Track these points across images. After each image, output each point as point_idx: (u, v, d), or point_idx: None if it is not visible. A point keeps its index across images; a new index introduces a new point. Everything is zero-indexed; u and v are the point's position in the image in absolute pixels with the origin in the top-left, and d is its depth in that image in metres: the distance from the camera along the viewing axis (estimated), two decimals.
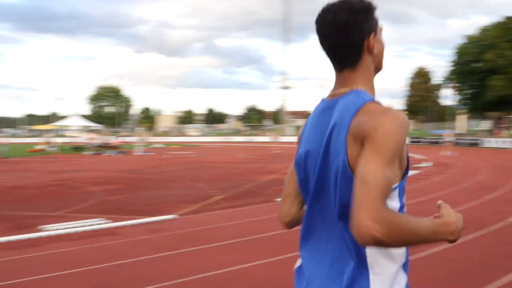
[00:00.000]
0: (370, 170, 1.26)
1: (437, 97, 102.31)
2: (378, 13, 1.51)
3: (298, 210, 1.68)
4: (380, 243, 1.20)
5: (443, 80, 62.92)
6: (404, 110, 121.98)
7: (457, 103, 64.50)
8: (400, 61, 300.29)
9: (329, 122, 1.46)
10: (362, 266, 1.39)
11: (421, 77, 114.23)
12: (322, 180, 1.48)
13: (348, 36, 1.45)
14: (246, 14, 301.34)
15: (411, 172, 18.65)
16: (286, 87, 68.52)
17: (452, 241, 1.35)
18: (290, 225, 1.71)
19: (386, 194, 1.26)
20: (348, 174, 1.36)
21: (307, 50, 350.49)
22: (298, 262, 1.65)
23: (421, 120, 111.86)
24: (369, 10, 1.48)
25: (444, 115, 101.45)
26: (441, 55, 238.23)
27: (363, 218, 1.20)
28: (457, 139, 45.22)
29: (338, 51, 1.49)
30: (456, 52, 57.01)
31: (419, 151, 33.75)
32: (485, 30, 55.39)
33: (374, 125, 1.33)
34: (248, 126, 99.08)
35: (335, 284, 1.42)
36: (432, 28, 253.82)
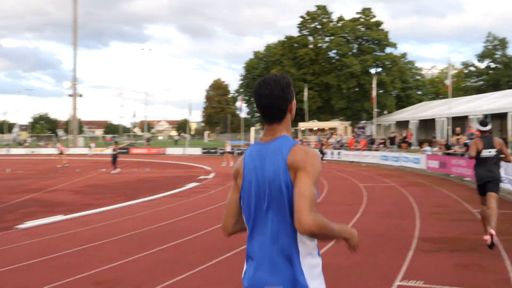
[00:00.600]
0: (306, 187, 2.04)
1: (235, 109, 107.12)
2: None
3: (239, 227, 2.36)
4: (313, 235, 2.00)
5: (235, 93, 65.75)
6: (201, 122, 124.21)
7: (248, 115, 68.30)
8: (200, 74, 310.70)
9: (266, 157, 2.18)
10: (297, 252, 2.13)
11: (218, 89, 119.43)
12: (271, 193, 2.14)
13: (279, 104, 2.20)
14: (36, 14, 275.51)
15: (189, 185, 17.82)
16: (77, 95, 63.69)
17: (350, 244, 2.22)
18: (232, 234, 2.39)
19: (315, 203, 2.04)
20: (290, 186, 2.10)
21: (106, 58, 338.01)
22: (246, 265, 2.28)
23: (219, 131, 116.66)
24: (290, 85, 2.25)
25: (239, 126, 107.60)
26: (238, 70, 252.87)
27: (304, 219, 1.97)
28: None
29: (271, 113, 2.21)
30: (245, 67, 60.28)
31: (209, 162, 33.94)
32: (270, 48, 59.84)
33: (304, 160, 2.10)
34: (35, 136, 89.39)
35: (283, 271, 2.11)
36: (230, 43, 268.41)
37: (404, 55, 53.53)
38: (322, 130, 49.88)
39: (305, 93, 45.86)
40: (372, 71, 51.62)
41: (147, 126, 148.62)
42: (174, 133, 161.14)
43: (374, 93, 39.19)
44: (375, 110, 42.66)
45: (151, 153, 52.45)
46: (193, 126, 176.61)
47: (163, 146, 58.34)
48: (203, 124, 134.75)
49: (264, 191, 2.15)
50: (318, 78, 52.49)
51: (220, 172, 25.17)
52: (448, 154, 20.72)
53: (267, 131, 2.24)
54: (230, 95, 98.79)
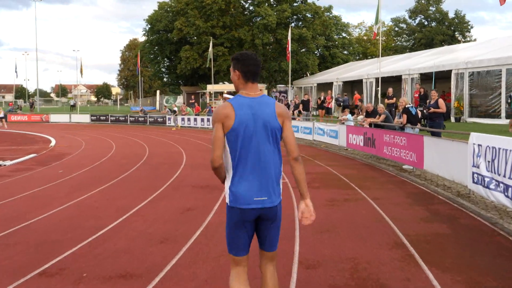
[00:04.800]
0: (292, 131, 3.10)
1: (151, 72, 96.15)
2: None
3: (222, 160, 2.99)
4: (298, 160, 3.05)
5: (142, 52, 55.48)
6: (119, 86, 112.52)
7: (156, 77, 59.21)
8: (129, 38, 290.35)
9: (261, 107, 2.97)
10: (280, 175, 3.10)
11: (134, 50, 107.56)
12: (263, 133, 2.96)
13: (260, 69, 3.10)
14: None
15: None
16: None
17: None
18: (220, 166, 2.98)
19: None
20: (280, 130, 3.02)
21: (27, 18, 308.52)
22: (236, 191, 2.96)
23: (134, 96, 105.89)
24: None
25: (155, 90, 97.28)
26: None
27: (297, 151, 3.03)
28: (139, 117, 39.28)
29: (257, 75, 3.07)
30: (148, 20, 50.35)
31: (80, 133, 25.16)
32: None
33: (287, 112, 3.07)
34: None
35: (268, 188, 2.98)
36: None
37: (329, 9, 46.14)
38: (234, 93, 42.14)
39: (211, 48, 37.50)
40: (292, 24, 43.97)
41: (61, 90, 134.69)
42: (93, 98, 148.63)
43: (289, 47, 31.55)
44: (290, 69, 35.37)
45: (32, 121, 43.51)
46: (115, 91, 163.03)
47: (47, 113, 48.68)
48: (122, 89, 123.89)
49: (262, 130, 2.96)
50: (229, 33, 44.04)
51: (50, 153, 16.64)
52: (379, 126, 13.47)
53: (252, 88, 3.06)
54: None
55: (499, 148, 6.96)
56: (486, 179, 7.30)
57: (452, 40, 47.60)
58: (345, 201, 7.80)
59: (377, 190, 8.72)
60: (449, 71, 23.30)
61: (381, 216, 6.72)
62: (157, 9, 51.63)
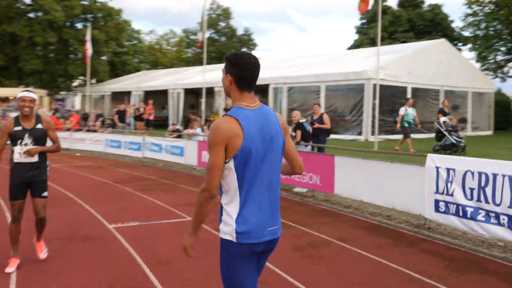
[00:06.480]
0: (294, 145, 2.76)
1: None
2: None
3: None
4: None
5: None
6: None
7: None
8: None
9: (266, 121, 2.50)
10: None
11: None
12: (272, 151, 2.50)
13: (258, 75, 2.56)
14: None
15: None
16: None
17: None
18: (216, 197, 2.43)
19: None
20: (284, 144, 2.61)
21: None
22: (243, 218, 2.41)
23: None
24: None
25: None
26: None
27: (302, 164, 2.74)
28: None
29: (254, 83, 2.53)
30: None
31: None
32: None
33: (286, 124, 2.68)
34: None
35: (278, 214, 2.56)
36: None
37: (118, 12, 42.57)
38: (5, 99, 35.11)
39: None
40: (79, 25, 39.16)
41: None
42: None
43: (89, 50, 27.47)
44: (78, 74, 31.35)
45: None
46: None
47: None
48: None
49: (270, 147, 2.48)
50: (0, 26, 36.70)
51: None
52: None
53: (250, 98, 2.52)
54: None
55: (494, 174, 5.93)
56: (469, 209, 6.22)
57: None
58: (314, 247, 5.76)
59: (322, 225, 6.92)
60: (267, 85, 23.18)
61: (401, 271, 4.93)
62: None
